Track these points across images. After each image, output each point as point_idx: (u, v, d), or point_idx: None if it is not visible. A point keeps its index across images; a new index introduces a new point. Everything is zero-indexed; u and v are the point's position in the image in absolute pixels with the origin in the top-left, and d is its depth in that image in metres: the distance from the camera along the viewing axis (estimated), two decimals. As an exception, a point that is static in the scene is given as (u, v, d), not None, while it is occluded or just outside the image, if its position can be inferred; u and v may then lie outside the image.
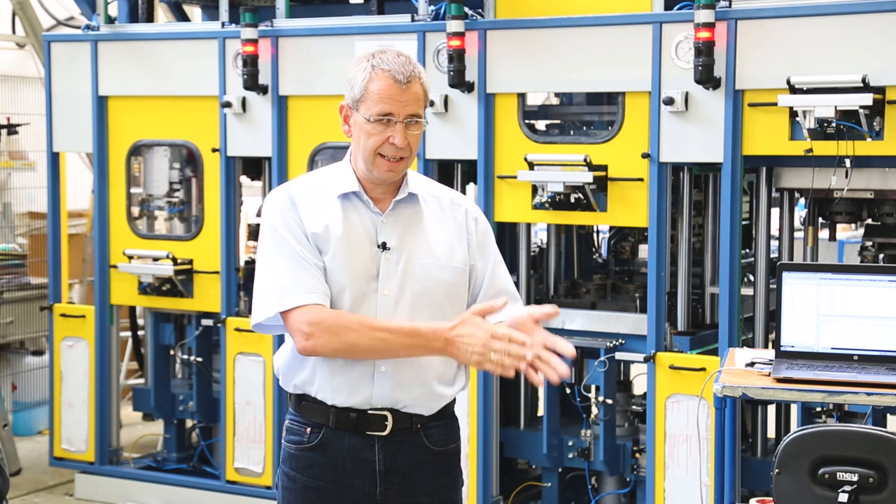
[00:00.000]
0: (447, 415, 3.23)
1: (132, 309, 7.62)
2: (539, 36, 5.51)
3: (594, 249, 6.76)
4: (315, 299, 3.03)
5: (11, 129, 8.27)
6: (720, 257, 5.29)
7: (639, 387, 6.14)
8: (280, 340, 3.14)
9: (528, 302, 5.89)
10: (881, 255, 5.37)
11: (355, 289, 3.07)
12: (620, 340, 5.59)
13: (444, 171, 5.90)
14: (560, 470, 5.92)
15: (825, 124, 4.92)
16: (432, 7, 5.75)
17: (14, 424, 7.79)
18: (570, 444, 5.81)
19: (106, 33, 6.53)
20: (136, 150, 6.60)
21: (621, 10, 5.39)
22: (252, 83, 6.01)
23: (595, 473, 5.85)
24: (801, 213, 5.63)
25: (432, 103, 5.64)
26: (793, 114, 5.01)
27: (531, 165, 5.49)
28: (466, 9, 5.57)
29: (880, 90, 4.85)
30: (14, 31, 8.77)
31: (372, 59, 3.07)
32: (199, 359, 6.64)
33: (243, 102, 6.15)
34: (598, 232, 6.83)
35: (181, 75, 6.35)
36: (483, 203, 5.61)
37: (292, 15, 6.16)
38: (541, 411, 6.09)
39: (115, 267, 6.57)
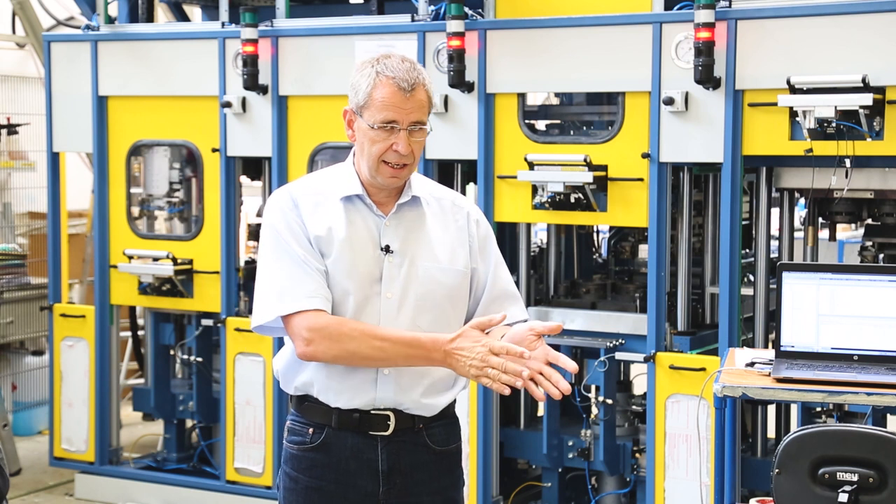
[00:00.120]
0: (448, 415, 3.23)
1: (132, 309, 7.62)
2: (539, 36, 5.51)
3: (594, 249, 6.76)
4: (315, 304, 3.02)
5: (11, 129, 8.27)
6: (720, 257, 5.29)
7: (639, 387, 6.14)
8: (280, 343, 3.14)
9: (528, 303, 5.89)
10: (881, 255, 5.37)
11: (359, 292, 3.07)
12: (620, 340, 5.59)
13: (445, 171, 5.90)
14: (560, 470, 5.92)
15: (825, 124, 4.92)
16: (432, 7, 5.75)
17: (14, 424, 7.79)
18: (570, 444, 5.81)
19: (106, 33, 6.53)
20: (136, 150, 6.60)
21: (621, 10, 5.39)
22: (252, 83, 6.01)
23: (595, 473, 5.85)
24: (801, 213, 5.63)
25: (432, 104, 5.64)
26: (793, 114, 5.01)
27: (531, 165, 5.49)
28: (466, 9, 5.57)
29: (880, 90, 4.85)
30: (14, 31, 8.77)
31: (376, 64, 3.05)
32: (199, 359, 6.64)
33: (243, 102, 6.15)
34: (598, 232, 6.83)
35: (181, 75, 6.35)
36: (483, 203, 5.61)
37: (292, 15, 6.16)
38: (541, 411, 6.09)
39: (115, 267, 6.57)
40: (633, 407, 5.93)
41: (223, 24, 6.24)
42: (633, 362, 5.73)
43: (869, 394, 3.66)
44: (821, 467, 3.54)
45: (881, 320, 3.85)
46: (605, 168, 5.40)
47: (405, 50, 5.59)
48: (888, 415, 5.51)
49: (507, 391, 2.93)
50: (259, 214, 6.93)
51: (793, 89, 4.94)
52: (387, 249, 3.10)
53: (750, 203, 6.06)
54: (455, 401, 3.24)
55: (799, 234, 5.52)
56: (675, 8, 5.27)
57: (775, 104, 4.99)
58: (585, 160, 5.35)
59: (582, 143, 5.55)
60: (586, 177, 5.34)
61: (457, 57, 5.52)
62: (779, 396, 3.72)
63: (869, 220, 5.41)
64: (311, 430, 3.14)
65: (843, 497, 3.48)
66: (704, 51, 5.05)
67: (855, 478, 3.50)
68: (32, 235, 8.40)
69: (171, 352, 6.80)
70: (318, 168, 5.99)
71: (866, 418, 5.08)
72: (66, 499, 6.88)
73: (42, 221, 8.01)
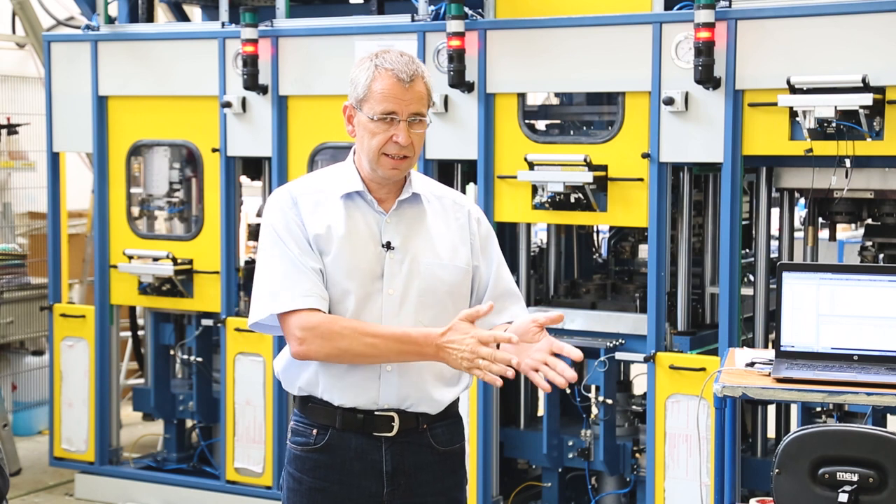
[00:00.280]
0: (452, 415, 3.23)
1: (132, 309, 7.62)
2: (539, 36, 5.52)
3: (594, 249, 6.76)
4: (310, 303, 3.03)
5: (11, 129, 8.27)
6: (720, 257, 5.29)
7: (639, 387, 6.14)
8: (280, 344, 3.14)
9: (528, 302, 5.89)
10: (881, 255, 5.37)
11: (360, 289, 3.07)
12: (620, 340, 5.59)
13: (445, 171, 5.90)
14: (560, 470, 5.92)
15: (825, 124, 4.92)
16: (432, 7, 5.75)
17: (14, 424, 7.79)
18: (570, 444, 5.81)
19: (106, 33, 6.53)
20: (136, 150, 6.61)
21: (621, 10, 5.39)
22: (252, 83, 6.01)
23: (595, 473, 5.85)
24: (801, 213, 5.63)
25: (432, 103, 5.63)
26: (793, 114, 5.01)
27: (531, 165, 5.49)
28: (466, 9, 5.57)
29: (880, 90, 4.85)
30: (14, 31, 8.77)
31: (375, 58, 3.07)
32: (199, 359, 6.64)
33: (243, 102, 6.15)
34: (598, 232, 6.83)
35: (181, 75, 6.35)
36: (483, 203, 5.61)
37: (292, 15, 6.16)
38: (541, 411, 6.09)
39: (115, 267, 6.57)
40: (633, 407, 5.93)
41: (223, 24, 6.24)
42: (633, 362, 5.73)
43: (869, 394, 3.66)
44: (821, 467, 3.54)
45: (881, 320, 3.85)
46: (605, 168, 5.40)
47: (405, 50, 5.58)
48: (888, 415, 5.51)
49: (499, 382, 2.94)
50: (259, 214, 6.93)
51: (793, 89, 4.94)
52: (388, 246, 3.10)
53: (750, 203, 6.06)
54: (458, 399, 3.24)
55: (799, 234, 5.52)
56: (675, 8, 5.27)
57: (775, 104, 4.99)
58: (585, 160, 5.35)
59: (582, 143, 5.55)
60: (586, 177, 5.34)
61: (457, 57, 5.52)
62: (779, 396, 3.72)
63: (869, 220, 5.41)
64: (314, 431, 3.14)
65: (843, 497, 3.48)
66: (704, 51, 5.05)
67: (855, 478, 3.50)
68: (32, 235, 8.40)
69: (171, 352, 6.80)
70: (318, 168, 5.99)
71: (866, 418, 5.08)
72: (66, 499, 6.89)
73: (42, 221, 8.01)
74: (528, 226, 5.97)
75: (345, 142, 5.79)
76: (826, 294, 3.90)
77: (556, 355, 2.95)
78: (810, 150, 4.99)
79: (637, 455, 5.74)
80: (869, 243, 5.39)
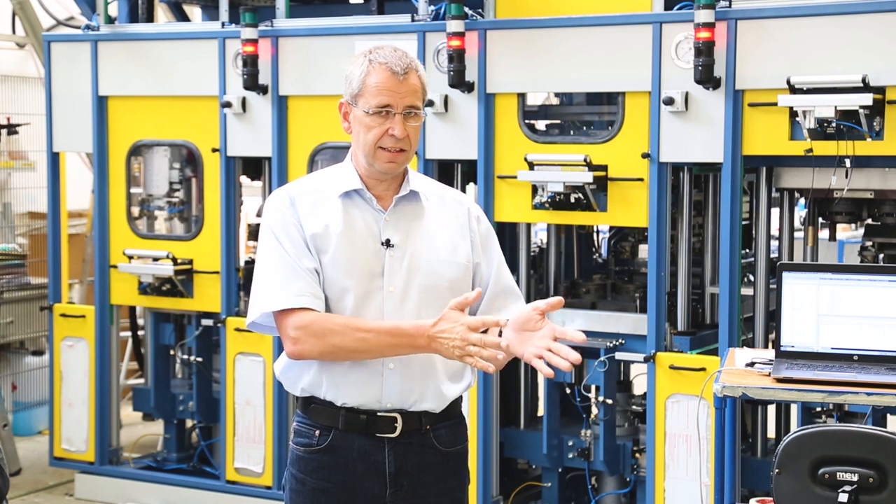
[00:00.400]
0: (455, 415, 3.23)
1: (132, 309, 7.62)
2: (539, 36, 5.52)
3: (594, 249, 6.76)
4: (303, 303, 3.04)
5: (11, 129, 8.27)
6: (720, 257, 5.29)
7: (639, 387, 6.14)
8: (279, 344, 3.15)
9: (528, 302, 5.87)
10: (881, 255, 5.37)
11: (359, 287, 3.08)
12: (620, 340, 5.59)
13: (444, 171, 5.90)
14: (560, 470, 5.92)
15: (825, 124, 4.92)
16: (432, 7, 5.75)
17: (14, 424, 7.79)
18: (570, 444, 5.82)
19: (106, 33, 6.53)
20: (136, 150, 6.61)
21: (621, 10, 5.39)
22: (252, 83, 6.01)
23: (595, 473, 5.85)
24: (801, 213, 5.63)
25: (432, 103, 5.65)
26: (793, 114, 5.01)
27: (531, 165, 5.50)
28: (466, 9, 5.57)
29: (880, 90, 4.85)
30: (14, 31, 8.78)
31: (369, 54, 3.10)
32: (199, 359, 6.64)
33: (243, 102, 6.15)
34: (598, 232, 6.83)
35: (181, 75, 6.35)
36: (483, 203, 5.61)
37: (292, 15, 6.16)
38: (541, 411, 6.09)
39: (115, 267, 6.57)
40: (633, 407, 5.93)
41: (223, 24, 6.24)
42: (633, 362, 5.73)
43: (869, 394, 3.66)
44: (821, 467, 3.54)
45: (881, 320, 3.85)
46: (605, 168, 5.40)
47: (405, 50, 5.59)
48: (888, 415, 5.51)
49: (491, 369, 2.95)
50: (259, 214, 6.93)
51: (793, 89, 4.94)
52: (387, 243, 3.11)
53: (750, 203, 6.06)
54: (461, 399, 3.24)
55: (799, 234, 5.52)
56: (675, 8, 5.27)
57: (775, 104, 4.99)
58: (585, 160, 5.35)
59: (582, 143, 5.55)
60: (586, 177, 5.34)
61: (457, 57, 5.52)
62: (779, 396, 3.72)
63: (869, 220, 5.41)
64: (317, 432, 3.14)
65: (843, 497, 3.48)
66: (704, 51, 5.05)
67: (855, 478, 3.50)
68: (32, 235, 8.40)
69: (171, 352, 6.80)
70: (318, 168, 5.99)
71: (866, 418, 5.08)
72: (66, 499, 6.89)
73: (42, 221, 8.01)
74: (528, 226, 5.97)
75: (345, 142, 5.74)
76: (826, 294, 3.90)
77: (560, 342, 2.95)
78: (810, 150, 4.99)
79: (637, 455, 5.74)
80: (869, 243, 5.39)
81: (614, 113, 5.56)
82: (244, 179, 6.71)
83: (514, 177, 5.56)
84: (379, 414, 3.11)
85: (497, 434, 5.85)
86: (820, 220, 5.47)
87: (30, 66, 8.94)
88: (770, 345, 5.27)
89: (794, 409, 5.68)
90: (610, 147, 5.43)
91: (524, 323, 2.99)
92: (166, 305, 6.54)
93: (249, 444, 6.28)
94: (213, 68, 6.22)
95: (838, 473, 3.52)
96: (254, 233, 7.32)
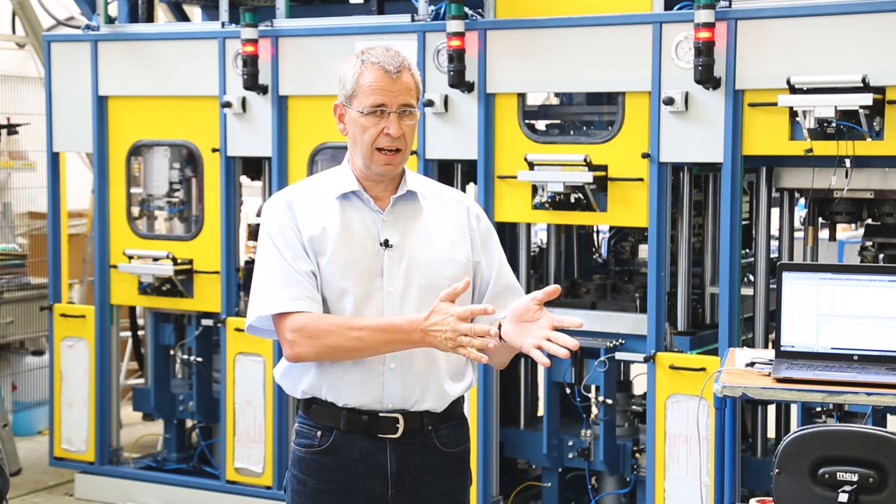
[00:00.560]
0: (457, 415, 3.23)
1: (132, 309, 7.62)
2: (539, 36, 5.52)
3: (594, 249, 6.76)
4: (299, 306, 3.04)
5: (11, 129, 8.27)
6: (720, 257, 5.29)
7: (639, 387, 6.14)
8: (279, 345, 3.15)
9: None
10: (881, 255, 5.37)
11: (358, 287, 3.08)
12: (620, 340, 5.59)
13: (444, 171, 5.90)
14: (560, 470, 5.92)
15: (825, 124, 4.92)
16: (432, 7, 5.75)
17: (14, 424, 7.79)
18: (570, 444, 5.81)
19: (106, 33, 6.53)
20: (136, 150, 6.61)
21: (621, 10, 5.39)
22: (252, 83, 6.01)
23: (595, 473, 5.85)
24: (801, 213, 5.63)
25: (432, 103, 5.65)
26: (793, 114, 5.01)
27: (531, 165, 5.50)
28: (466, 9, 5.57)
29: (880, 90, 4.85)
30: (14, 31, 8.78)
31: (361, 55, 3.11)
32: (199, 359, 6.64)
33: (243, 102, 6.15)
34: (598, 232, 6.83)
35: (181, 75, 6.35)
36: (483, 203, 5.61)
37: (292, 15, 6.16)
38: (541, 411, 6.09)
39: (115, 267, 6.57)
40: (633, 407, 5.93)
41: (223, 24, 6.24)
42: (633, 362, 5.73)
43: (869, 394, 3.66)
44: (821, 467, 3.54)
45: (881, 320, 3.84)
46: (605, 168, 5.40)
47: (405, 50, 5.58)
48: (888, 415, 5.51)
49: (484, 359, 2.96)
50: (259, 214, 6.93)
51: (793, 89, 4.94)
52: (386, 244, 3.11)
53: (750, 203, 6.06)
54: (463, 399, 3.24)
55: (799, 234, 5.52)
56: (675, 8, 5.27)
57: (775, 104, 4.99)
58: (585, 160, 5.35)
59: (582, 143, 5.55)
60: (586, 177, 5.34)
61: (457, 57, 5.52)
62: (779, 396, 3.72)
63: (869, 220, 5.41)
64: (319, 433, 3.14)
65: (843, 497, 3.48)
66: (704, 51, 5.05)
67: (855, 478, 3.50)
68: (32, 235, 8.40)
69: (171, 352, 6.80)
70: (318, 168, 6.00)
71: (866, 418, 5.08)
72: (66, 499, 6.89)
73: (42, 221, 8.01)
74: (528, 226, 5.97)
75: (344, 142, 5.76)
76: (826, 294, 3.90)
77: (558, 330, 2.95)
78: (810, 150, 4.99)
79: (637, 455, 5.74)
80: (869, 243, 5.39)
81: (614, 113, 5.56)
82: (244, 179, 6.71)
83: (514, 177, 5.56)
84: (381, 414, 3.11)
85: (497, 434, 5.85)
86: (820, 220, 5.47)
87: (30, 66, 8.94)
88: (770, 345, 5.27)
89: (794, 409, 5.68)
90: (610, 147, 5.43)
91: (522, 314, 2.99)
92: (166, 305, 6.54)
93: (249, 444, 6.28)
94: (213, 68, 6.22)
95: (838, 473, 3.52)
96: (254, 233, 7.32)
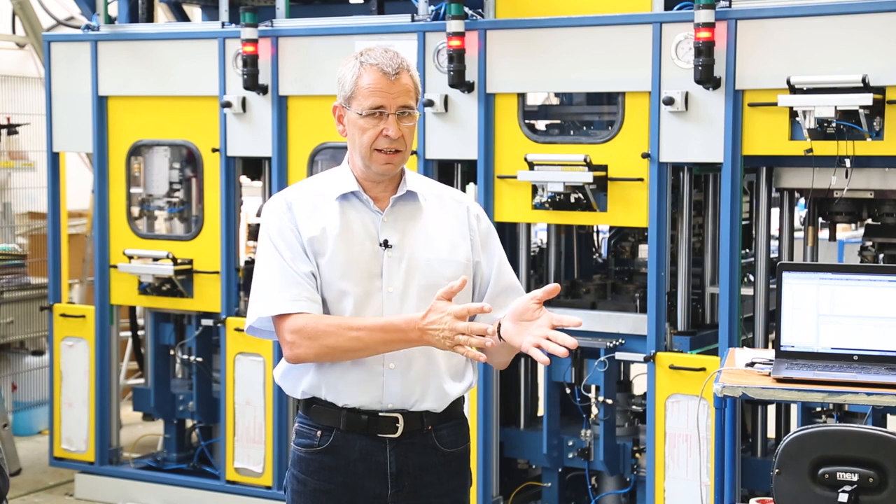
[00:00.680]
0: (457, 415, 3.23)
1: (132, 309, 7.62)
2: (539, 36, 5.52)
3: (594, 249, 6.76)
4: (298, 308, 3.04)
5: (11, 129, 8.27)
6: (720, 257, 5.29)
7: (639, 387, 6.14)
8: (279, 345, 3.15)
9: (528, 302, 5.88)
10: (881, 255, 5.37)
11: (358, 288, 3.08)
12: (620, 340, 5.59)
13: (444, 171, 5.90)
14: (560, 470, 5.92)
15: (825, 124, 4.92)
16: (432, 7, 5.75)
17: (14, 424, 7.79)
18: (570, 444, 5.81)
19: (106, 33, 6.53)
20: (136, 150, 6.61)
21: (621, 10, 5.39)
22: (252, 83, 6.01)
23: (595, 473, 5.85)
24: (801, 213, 5.63)
25: (432, 103, 5.65)
26: (793, 114, 5.01)
27: (531, 165, 5.50)
28: (466, 9, 5.57)
29: (880, 90, 4.85)
30: (14, 31, 8.78)
31: (360, 56, 3.11)
32: (199, 359, 6.64)
33: (243, 102, 6.15)
34: (598, 232, 6.83)
35: (181, 75, 6.35)
36: (483, 203, 5.61)
37: (292, 15, 6.16)
38: (541, 411, 6.09)
39: (115, 267, 6.57)
40: (633, 407, 5.93)
41: (223, 24, 6.24)
42: (633, 362, 5.73)
43: (869, 394, 3.66)
44: (821, 467, 3.54)
45: (881, 320, 3.85)
46: (605, 168, 5.40)
47: (405, 50, 5.59)
48: (888, 415, 5.51)
49: (483, 358, 2.97)
50: (259, 214, 6.93)
51: (793, 89, 4.94)
52: (385, 244, 3.11)
53: (750, 203, 6.06)
54: (463, 399, 3.24)
55: (799, 234, 5.52)
56: (675, 8, 5.27)
57: (775, 104, 4.99)
58: (585, 160, 5.35)
59: (582, 143, 5.55)
60: (586, 177, 5.34)
61: (457, 57, 5.52)
62: (779, 396, 3.72)
63: (869, 220, 5.41)
64: (318, 432, 3.14)
65: (843, 497, 3.48)
66: (704, 51, 5.05)
67: (855, 478, 3.50)
68: (32, 235, 8.40)
69: (171, 352, 6.80)
70: (318, 168, 6.00)
71: (866, 418, 5.08)
72: (66, 499, 6.89)
73: (42, 221, 8.01)
74: (528, 226, 5.97)
75: (344, 142, 5.76)
76: (826, 294, 3.90)
77: (557, 329, 2.95)
78: (810, 150, 4.99)
79: (637, 455, 5.74)
80: (869, 243, 5.39)
81: (614, 113, 5.56)
82: (244, 179, 6.71)
83: (514, 177, 5.56)
84: (380, 414, 3.11)
85: (497, 434, 5.85)
86: (820, 220, 5.47)
87: (30, 66, 8.94)
88: (770, 345, 5.27)
89: (794, 409, 5.68)
90: (610, 147, 5.43)
91: (522, 313, 2.99)
92: (166, 305, 6.54)
93: (249, 444, 6.28)
94: (213, 68, 6.22)
95: (838, 473, 3.52)
96: (254, 233, 7.32)
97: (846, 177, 4.99)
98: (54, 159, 6.79)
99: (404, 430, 3.12)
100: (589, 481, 5.81)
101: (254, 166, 6.61)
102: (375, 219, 3.14)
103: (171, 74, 6.37)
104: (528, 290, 5.92)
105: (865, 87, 4.81)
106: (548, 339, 2.91)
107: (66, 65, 6.63)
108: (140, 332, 7.65)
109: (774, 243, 5.66)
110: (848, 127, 4.89)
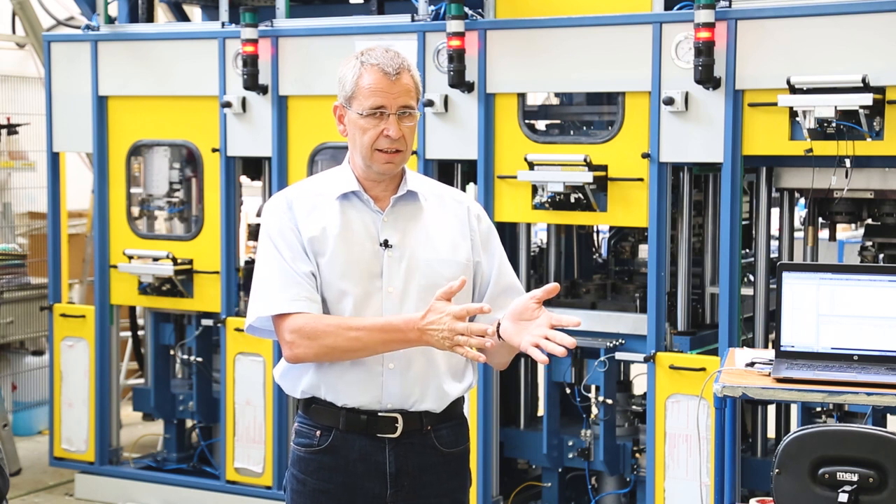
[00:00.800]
0: (456, 416, 3.23)
1: (132, 309, 7.62)
2: (539, 36, 5.52)
3: (594, 249, 6.76)
4: (298, 307, 3.04)
5: (11, 129, 8.27)
6: (720, 257, 5.29)
7: (639, 387, 6.14)
8: (279, 345, 3.15)
9: (528, 302, 5.87)
10: (881, 255, 5.37)
11: (358, 288, 3.08)
12: (620, 340, 5.59)
13: (444, 171, 5.90)
14: (560, 470, 5.92)
15: (825, 124, 4.92)
16: (432, 7, 5.75)
17: (14, 424, 7.79)
18: (570, 444, 5.81)
19: (106, 33, 6.53)
20: (136, 150, 6.61)
21: (621, 10, 5.39)
22: (252, 83, 6.01)
23: (595, 473, 5.85)
24: (801, 213, 5.63)
25: (432, 103, 5.65)
26: (793, 114, 5.01)
27: (531, 165, 5.50)
28: (466, 9, 5.57)
29: (880, 90, 4.85)
30: (14, 31, 8.78)
31: (360, 56, 3.11)
32: (199, 359, 6.64)
33: (243, 102, 6.15)
34: (598, 232, 6.83)
35: (181, 75, 6.35)
36: (483, 203, 5.61)
37: (292, 15, 6.16)
38: (541, 411, 6.09)
39: (115, 267, 6.57)
40: (633, 407, 5.93)
41: (223, 24, 6.24)
42: (633, 362, 5.73)
43: (869, 394, 3.66)
44: (821, 467, 3.54)
45: (881, 320, 3.85)
46: (605, 168, 5.40)
47: (405, 50, 5.59)
48: (888, 415, 5.51)
49: (483, 358, 2.97)
50: (259, 214, 6.93)
51: (793, 89, 4.94)
52: (386, 244, 3.11)
53: (750, 203, 6.06)
54: (463, 400, 3.24)
55: (799, 234, 5.52)
56: (675, 8, 5.27)
57: (775, 104, 4.99)
58: (585, 160, 5.35)
59: (582, 143, 5.55)
60: (586, 177, 5.34)
61: (457, 57, 5.52)
62: (779, 396, 3.72)
63: (869, 220, 5.41)
64: (318, 432, 3.14)
65: (843, 497, 3.48)
66: (704, 51, 5.05)
67: (855, 478, 3.50)
68: (32, 235, 8.40)
69: (171, 352, 6.80)
70: (318, 168, 6.00)
71: (866, 418, 5.08)
72: (66, 499, 6.89)
73: (42, 221, 8.01)
74: (528, 226, 5.97)
75: (344, 142, 5.76)
76: (826, 294, 3.90)
77: (557, 328, 2.95)
78: (810, 150, 4.99)
79: (637, 455, 5.74)
80: (869, 243, 5.39)
81: (614, 113, 5.56)
82: (244, 179, 6.71)
83: (514, 177, 5.56)
84: (380, 414, 3.11)
85: (497, 434, 5.85)
86: (820, 220, 5.47)
87: (30, 66, 8.94)
88: (770, 345, 5.27)
89: (794, 409, 5.68)
90: (610, 147, 5.43)
91: (521, 312, 2.99)
92: (166, 305, 6.54)
93: (249, 444, 6.28)
94: (213, 68, 6.22)
95: (838, 473, 3.52)
96: (254, 233, 7.32)
97: (846, 177, 4.99)
98: (54, 159, 6.79)
99: (403, 430, 3.12)
100: (589, 481, 5.81)
101: (254, 166, 6.61)
102: (376, 218, 3.14)
103: (171, 74, 6.37)
104: (528, 289, 5.94)
105: (865, 87, 4.81)
106: (547, 338, 2.91)
107: (66, 65, 6.63)
108: (140, 332, 7.65)
109: (774, 243, 5.66)
110: (848, 127, 4.89)
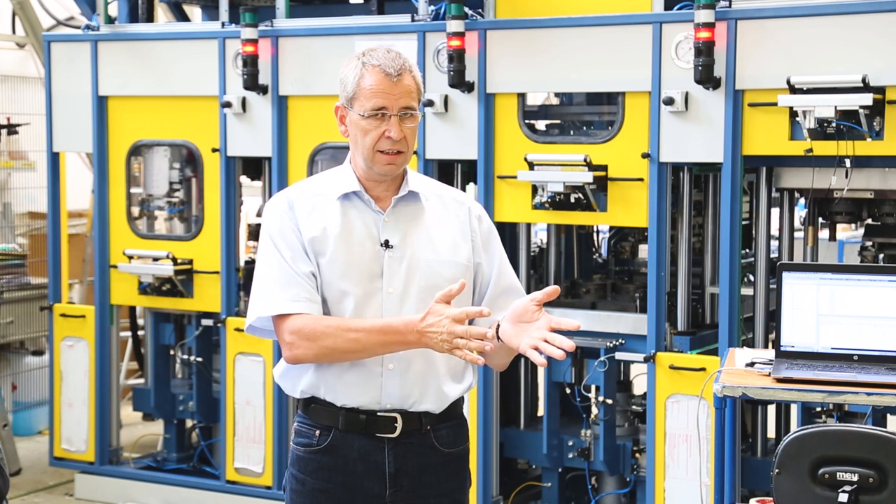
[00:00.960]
0: (456, 416, 3.23)
1: (132, 309, 7.62)
2: (539, 36, 5.52)
3: (594, 249, 6.76)
4: (298, 308, 3.04)
5: (11, 129, 8.27)
6: (720, 257, 5.29)
7: (639, 387, 6.14)
8: (279, 345, 3.15)
9: (528, 302, 5.87)
10: (881, 255, 5.37)
11: (358, 288, 3.08)
12: (620, 340, 5.59)
13: (444, 171, 5.90)
14: (560, 470, 5.92)
15: (825, 124, 4.92)
16: (432, 7, 5.75)
17: (14, 424, 7.79)
18: (570, 444, 5.81)
19: (106, 33, 6.53)
20: (136, 150, 6.61)
21: (621, 10, 5.39)
22: (252, 83, 6.01)
23: (595, 473, 5.85)
24: (801, 213, 5.63)
25: (432, 103, 5.65)
26: (793, 114, 5.01)
27: (531, 165, 5.50)
28: (466, 9, 5.57)
29: (880, 90, 4.85)
30: (14, 31, 8.78)
31: (362, 56, 3.10)
32: (199, 359, 6.64)
33: (243, 102, 6.15)
34: (598, 232, 6.83)
35: (181, 75, 6.35)
36: (483, 203, 5.61)
37: (292, 15, 6.16)
38: (541, 411, 6.09)
39: (115, 267, 6.57)
40: (633, 407, 5.93)
41: (223, 24, 6.24)
42: (633, 362, 5.73)
43: (869, 394, 3.66)
44: (821, 467, 3.54)
45: (881, 320, 3.85)
46: (605, 168, 5.40)
47: (405, 50, 5.59)
48: (888, 415, 5.51)
49: (481, 361, 2.95)
50: (259, 214, 6.93)
51: (793, 89, 4.94)
52: (386, 245, 3.11)
53: (750, 203, 6.06)
54: (462, 400, 3.24)
55: (799, 234, 5.52)
56: (675, 8, 5.27)
57: (775, 104, 4.99)
58: (585, 160, 5.35)
59: (582, 143, 5.55)
60: (586, 177, 5.34)
61: (457, 57, 5.52)
62: (779, 396, 3.72)
63: (869, 220, 5.41)
64: (317, 432, 3.14)
65: (843, 497, 3.48)
66: (704, 51, 5.05)
67: (855, 478, 3.50)
68: (32, 235, 8.40)
69: (171, 352, 6.80)
70: (318, 168, 6.00)
71: (866, 418, 5.08)
72: (66, 499, 6.89)
73: (42, 221, 8.01)
74: (528, 226, 5.97)
75: (345, 142, 5.77)
76: (826, 294, 3.90)
77: (556, 331, 2.95)
78: (810, 150, 4.99)
79: (637, 455, 5.74)
80: (869, 243, 5.39)
81: (614, 113, 5.56)
82: (244, 179, 6.71)
83: (514, 177, 5.56)
84: (379, 414, 3.11)
85: (497, 434, 5.85)
86: (820, 220, 5.47)
87: (30, 66, 8.95)
88: (770, 345, 5.27)
89: (794, 409, 5.68)
90: (610, 147, 5.43)
91: (521, 314, 2.99)
92: (166, 305, 6.54)
93: (249, 444, 6.28)
94: (213, 68, 6.22)
95: (838, 473, 3.52)
96: (254, 233, 7.33)
97: (846, 177, 4.99)
98: (54, 159, 6.79)
99: (403, 430, 3.12)
100: (589, 481, 5.81)
101: (254, 166, 6.61)
102: (377, 219, 3.14)
103: (171, 74, 6.37)
104: (528, 290, 5.95)
105: (865, 87, 4.81)
106: (546, 341, 2.91)
107: (66, 65, 6.63)
108: (140, 332, 7.65)
109: (774, 243, 5.67)
110: (848, 127, 4.89)
